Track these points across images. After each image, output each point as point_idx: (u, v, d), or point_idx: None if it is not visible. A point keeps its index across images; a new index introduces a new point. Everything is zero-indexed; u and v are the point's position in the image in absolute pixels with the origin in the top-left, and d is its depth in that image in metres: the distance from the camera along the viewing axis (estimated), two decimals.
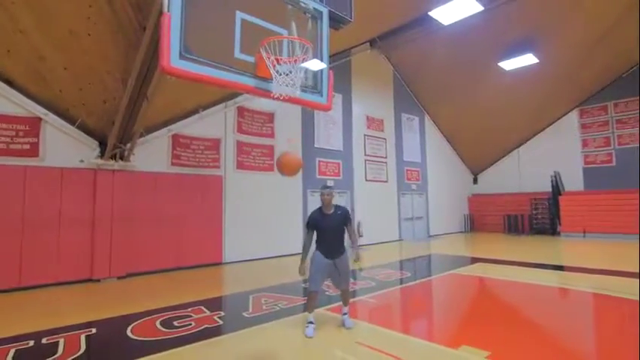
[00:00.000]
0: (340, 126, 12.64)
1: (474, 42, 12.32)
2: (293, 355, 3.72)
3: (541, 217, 16.08)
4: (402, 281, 7.23)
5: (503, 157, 18.30)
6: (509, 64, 12.32)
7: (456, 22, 9.92)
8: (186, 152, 8.82)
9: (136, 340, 4.12)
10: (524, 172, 17.40)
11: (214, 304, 5.64)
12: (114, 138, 6.98)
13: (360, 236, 12.72)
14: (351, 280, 5.31)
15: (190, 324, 4.60)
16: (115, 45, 6.11)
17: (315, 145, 11.76)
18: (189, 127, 8.97)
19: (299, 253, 9.76)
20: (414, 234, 15.27)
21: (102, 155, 7.45)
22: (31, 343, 4.06)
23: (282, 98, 3.25)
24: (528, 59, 11.90)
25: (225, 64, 3.10)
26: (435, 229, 16.32)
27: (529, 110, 15.71)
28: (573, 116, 16.18)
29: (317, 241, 4.24)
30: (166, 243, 8.30)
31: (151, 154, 8.29)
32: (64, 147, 7.19)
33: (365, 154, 13.48)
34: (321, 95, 3.89)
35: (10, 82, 6.57)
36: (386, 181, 14.22)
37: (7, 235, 6.48)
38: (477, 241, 14.41)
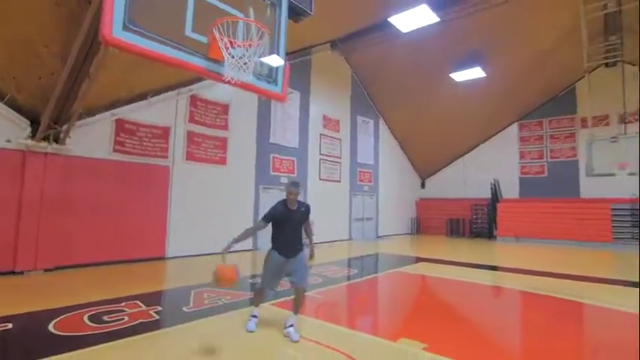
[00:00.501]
0: (297, 123, 12.59)
1: (429, 51, 12.85)
2: (233, 349, 3.61)
3: (480, 221, 17.15)
4: (348, 278, 7.34)
5: (450, 163, 19.27)
6: (459, 76, 12.99)
7: (413, 31, 10.27)
8: (131, 139, 8.30)
9: (59, 335, 3.78)
10: (467, 178, 18.44)
11: (152, 298, 5.34)
12: (48, 118, 6.39)
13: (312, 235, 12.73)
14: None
15: (123, 319, 4.32)
16: (53, 16, 5.60)
17: (271, 141, 11.61)
18: (137, 112, 8.45)
19: (249, 250, 9.60)
20: (363, 234, 15.59)
21: (33, 136, 6.78)
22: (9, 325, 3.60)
23: (233, 82, 3.14)
24: (477, 72, 12.63)
25: (175, 42, 2.93)
26: (383, 230, 16.78)
27: (478, 121, 16.69)
28: (514, 129, 17.42)
29: (275, 238, 3.97)
30: (104, 234, 7.75)
31: (92, 139, 7.69)
32: None
33: (320, 153, 13.55)
34: (276, 85, 3.82)
35: None
36: (339, 181, 14.39)
37: None
38: (421, 242, 15.03)
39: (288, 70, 3.99)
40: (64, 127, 6.85)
